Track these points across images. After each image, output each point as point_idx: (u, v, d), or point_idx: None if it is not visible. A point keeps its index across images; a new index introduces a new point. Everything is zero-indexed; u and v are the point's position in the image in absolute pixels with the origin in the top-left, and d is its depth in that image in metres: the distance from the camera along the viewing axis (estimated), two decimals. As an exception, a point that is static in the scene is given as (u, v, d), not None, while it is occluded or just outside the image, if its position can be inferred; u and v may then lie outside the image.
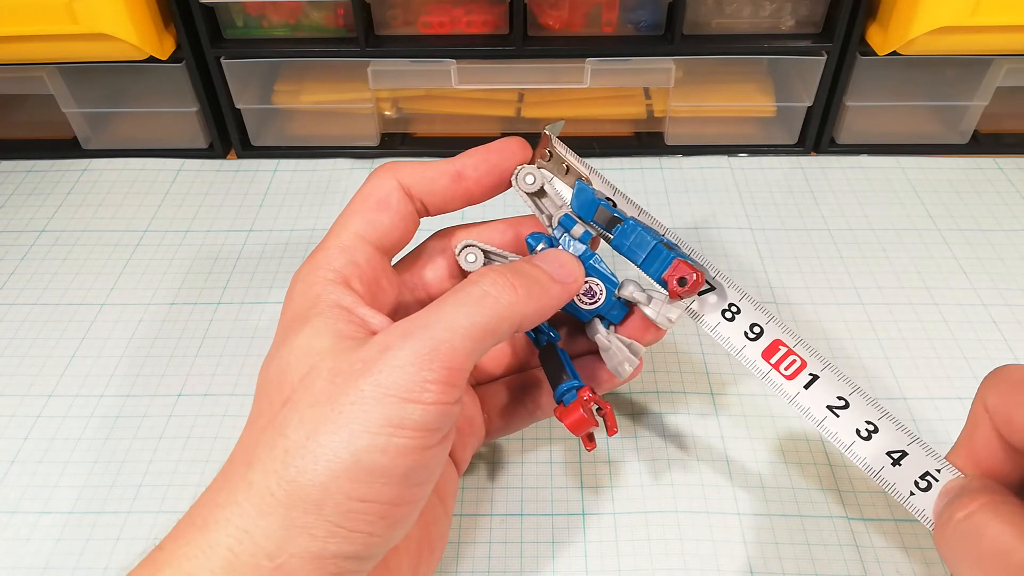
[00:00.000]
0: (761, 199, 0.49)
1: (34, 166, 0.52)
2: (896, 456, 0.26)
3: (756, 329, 0.28)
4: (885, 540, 0.31)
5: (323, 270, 0.26)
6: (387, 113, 0.53)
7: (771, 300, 0.42)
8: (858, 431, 0.26)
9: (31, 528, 0.32)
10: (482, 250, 0.29)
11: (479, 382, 0.33)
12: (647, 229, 0.28)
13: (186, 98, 0.50)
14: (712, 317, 0.28)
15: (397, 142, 0.54)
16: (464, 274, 0.30)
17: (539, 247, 0.29)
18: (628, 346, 0.29)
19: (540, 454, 0.35)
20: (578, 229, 0.29)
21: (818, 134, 0.52)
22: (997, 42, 0.46)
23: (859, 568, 0.31)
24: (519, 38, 0.47)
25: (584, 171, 0.29)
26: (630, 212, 0.29)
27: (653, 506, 0.33)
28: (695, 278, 0.27)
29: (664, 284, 0.28)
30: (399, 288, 0.29)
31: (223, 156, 0.53)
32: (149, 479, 0.34)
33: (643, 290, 0.29)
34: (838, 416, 0.27)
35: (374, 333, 0.24)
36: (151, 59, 0.47)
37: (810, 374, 0.27)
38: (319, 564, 0.21)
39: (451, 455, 0.29)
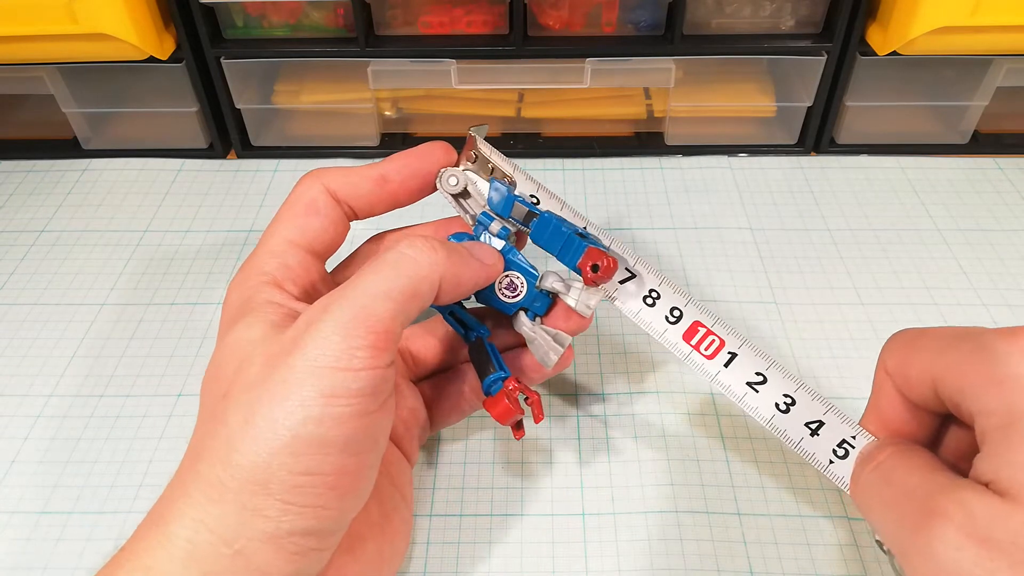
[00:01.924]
0: (761, 199, 0.49)
1: (34, 166, 0.52)
2: (814, 426, 0.27)
3: (676, 312, 0.29)
4: (885, 540, 0.32)
5: (255, 274, 0.26)
6: (387, 113, 0.53)
7: (771, 300, 0.42)
8: (777, 405, 0.27)
9: (31, 528, 0.32)
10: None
11: (417, 377, 0.33)
12: (562, 221, 0.29)
13: (186, 98, 0.50)
14: (634, 304, 0.29)
15: (397, 142, 0.54)
16: None
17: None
18: (553, 336, 0.30)
19: (540, 454, 0.35)
20: (495, 225, 0.29)
21: (818, 134, 0.52)
22: (997, 42, 0.46)
23: (859, 568, 0.31)
24: (519, 38, 0.47)
25: (509, 170, 0.30)
26: (554, 207, 0.30)
27: (653, 506, 0.33)
28: (607, 263, 0.28)
29: (580, 272, 0.28)
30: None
31: (223, 156, 0.53)
32: (149, 479, 0.34)
33: (562, 280, 0.30)
34: (757, 391, 0.28)
35: None
36: (151, 59, 0.47)
37: (729, 352, 0.28)
38: (277, 544, 0.22)
39: (399, 446, 0.30)
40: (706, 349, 0.28)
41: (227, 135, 0.53)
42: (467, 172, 0.30)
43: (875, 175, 0.51)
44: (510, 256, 0.29)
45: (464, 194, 0.30)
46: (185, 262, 0.45)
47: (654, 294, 0.29)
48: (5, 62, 0.48)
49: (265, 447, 0.21)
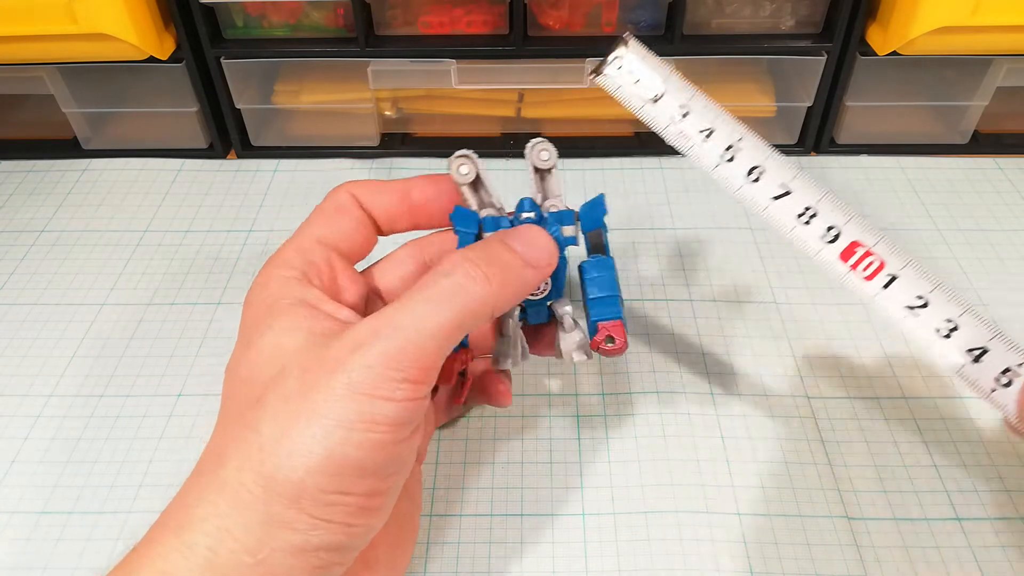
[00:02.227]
0: (761, 199, 0.49)
1: (34, 166, 0.52)
2: (977, 353, 0.26)
3: (833, 231, 0.27)
4: (885, 540, 0.31)
5: (280, 270, 0.26)
6: (387, 113, 0.53)
7: (771, 300, 0.42)
8: (938, 330, 0.26)
9: (31, 528, 0.32)
10: (476, 167, 0.28)
11: None
12: (616, 277, 0.29)
13: (186, 98, 0.50)
14: (788, 220, 0.28)
15: (397, 142, 0.54)
16: None
17: (527, 215, 0.29)
18: (522, 348, 0.30)
19: (540, 454, 0.35)
20: (570, 229, 0.29)
21: (818, 134, 0.52)
22: (997, 42, 0.46)
23: (859, 568, 0.31)
24: (519, 38, 0.47)
25: (662, 75, 0.30)
26: (708, 116, 0.30)
27: (653, 506, 0.33)
28: (620, 344, 0.28)
29: (594, 329, 0.28)
30: (365, 289, 0.29)
31: (223, 156, 0.53)
32: (149, 479, 0.34)
33: (572, 318, 0.29)
34: (918, 316, 0.26)
35: (344, 324, 0.24)
36: (151, 59, 0.47)
37: (889, 274, 0.27)
38: (302, 558, 0.21)
39: None
40: (864, 270, 0.27)
41: (227, 135, 0.53)
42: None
43: (875, 175, 0.51)
44: (559, 263, 0.29)
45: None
46: (185, 262, 0.45)
47: (810, 211, 0.27)
48: (5, 62, 0.48)
49: (301, 463, 0.21)
